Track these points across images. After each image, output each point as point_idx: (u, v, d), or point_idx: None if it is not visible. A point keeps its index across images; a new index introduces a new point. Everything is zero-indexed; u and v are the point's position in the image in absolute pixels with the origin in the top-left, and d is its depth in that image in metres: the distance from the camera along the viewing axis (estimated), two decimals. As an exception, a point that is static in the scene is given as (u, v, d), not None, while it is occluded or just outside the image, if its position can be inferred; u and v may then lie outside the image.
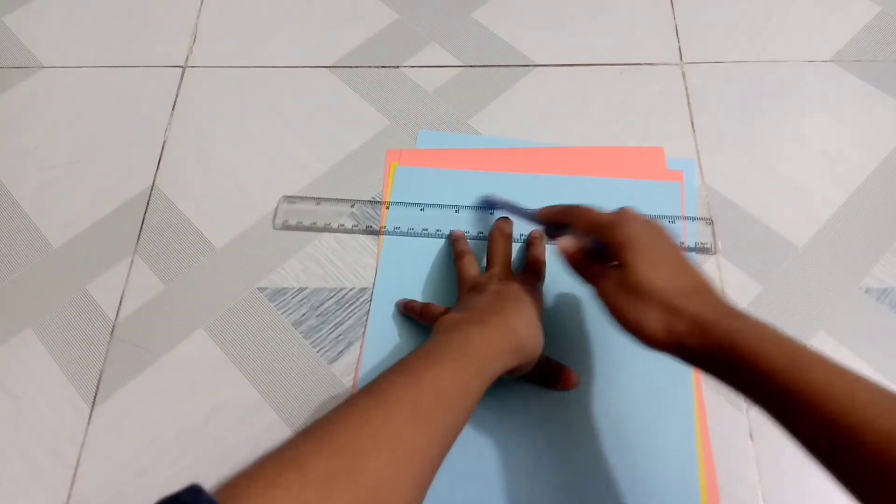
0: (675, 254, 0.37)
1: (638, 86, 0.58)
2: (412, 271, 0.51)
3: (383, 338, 0.48)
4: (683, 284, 0.35)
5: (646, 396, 0.45)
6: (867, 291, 0.49)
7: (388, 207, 0.53)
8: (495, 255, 0.47)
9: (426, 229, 0.52)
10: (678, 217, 0.52)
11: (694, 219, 0.52)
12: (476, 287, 0.44)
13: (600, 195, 0.52)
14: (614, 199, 0.49)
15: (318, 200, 0.54)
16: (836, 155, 0.54)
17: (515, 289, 0.43)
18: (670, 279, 0.35)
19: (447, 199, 0.53)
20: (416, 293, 0.50)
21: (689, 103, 0.57)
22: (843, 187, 0.53)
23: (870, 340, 0.47)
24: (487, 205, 0.50)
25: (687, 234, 0.51)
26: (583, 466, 0.44)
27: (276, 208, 0.54)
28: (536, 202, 0.46)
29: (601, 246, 0.38)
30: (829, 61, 0.59)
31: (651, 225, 0.38)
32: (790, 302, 0.49)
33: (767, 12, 0.62)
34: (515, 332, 0.39)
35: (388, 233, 0.52)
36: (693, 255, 0.51)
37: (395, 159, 0.56)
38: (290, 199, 0.54)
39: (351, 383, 0.47)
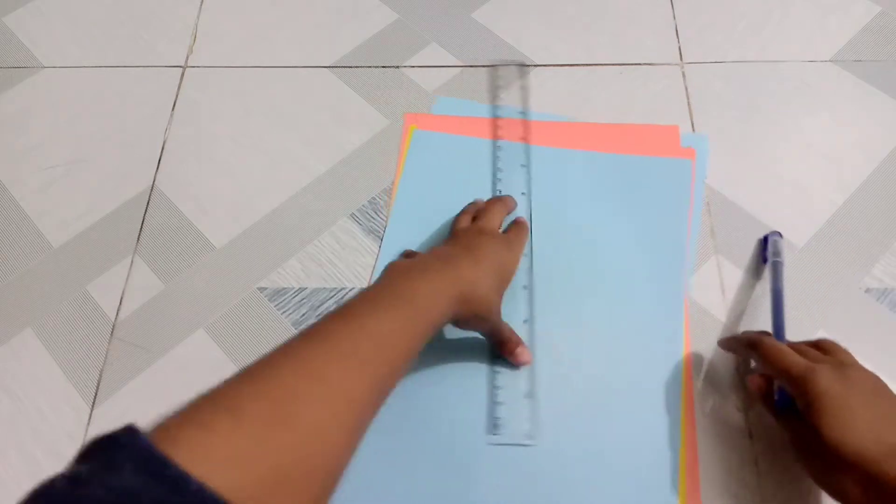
0: (879, 408, 0.34)
1: (638, 86, 0.58)
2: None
3: None
4: (886, 449, 0.32)
5: (635, 391, 0.46)
6: (867, 291, 0.49)
7: (401, 175, 0.54)
8: (482, 210, 0.48)
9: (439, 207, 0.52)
10: (686, 197, 0.52)
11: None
12: (452, 236, 0.45)
13: (610, 170, 0.54)
14: (623, 175, 0.53)
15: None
16: (836, 155, 0.54)
17: (482, 241, 0.43)
18: (870, 440, 0.32)
19: (463, 166, 0.54)
20: None
21: (689, 103, 0.57)
22: (843, 187, 0.53)
23: (870, 340, 0.47)
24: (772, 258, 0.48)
25: (693, 216, 0.52)
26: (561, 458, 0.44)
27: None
28: (549, 174, 0.50)
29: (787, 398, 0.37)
30: (829, 61, 0.59)
31: (844, 377, 0.35)
32: (789, 302, 0.49)
33: (767, 12, 0.62)
34: (462, 280, 0.38)
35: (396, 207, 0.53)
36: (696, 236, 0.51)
37: (414, 122, 0.57)
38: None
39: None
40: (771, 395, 0.39)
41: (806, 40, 0.60)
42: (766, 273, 0.48)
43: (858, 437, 0.32)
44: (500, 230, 0.48)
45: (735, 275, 0.50)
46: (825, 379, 0.34)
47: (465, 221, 0.48)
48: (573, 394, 0.45)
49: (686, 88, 0.58)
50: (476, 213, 0.48)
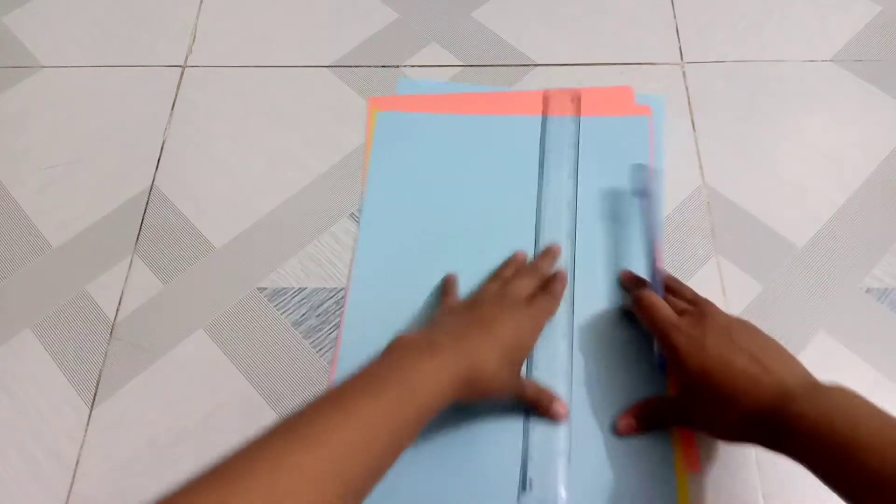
0: (726, 338, 0.38)
1: (638, 85, 0.58)
2: (393, 259, 0.51)
3: (363, 327, 0.49)
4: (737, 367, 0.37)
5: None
6: (867, 291, 0.49)
7: (369, 161, 0.54)
8: (514, 277, 0.46)
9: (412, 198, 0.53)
10: (646, 153, 0.54)
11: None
12: (475, 302, 0.43)
13: (571, 133, 0.55)
14: (585, 137, 0.55)
15: None
16: (836, 155, 0.54)
17: (503, 315, 0.40)
18: (719, 367, 0.37)
19: (433, 143, 0.55)
20: (397, 280, 0.50)
21: (689, 103, 0.57)
22: (844, 187, 0.53)
23: (870, 340, 0.47)
24: None
25: (655, 170, 0.53)
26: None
27: None
28: (514, 143, 0.53)
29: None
30: (829, 61, 0.59)
31: (705, 324, 0.39)
32: (790, 302, 0.49)
33: (768, 12, 0.62)
34: (471, 360, 0.36)
35: (369, 198, 0.53)
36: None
37: (377, 106, 0.57)
38: None
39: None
40: (651, 415, 0.43)
41: (806, 40, 0.60)
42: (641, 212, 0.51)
43: (709, 365, 0.37)
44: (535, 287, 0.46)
45: (735, 275, 0.50)
46: (684, 328, 0.39)
47: (495, 287, 0.45)
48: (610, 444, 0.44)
49: (686, 88, 0.58)
50: (512, 274, 0.47)
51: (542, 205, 0.52)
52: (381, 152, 0.55)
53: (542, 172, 0.53)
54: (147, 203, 0.55)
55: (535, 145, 0.55)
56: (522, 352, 0.41)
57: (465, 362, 0.36)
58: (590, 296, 0.48)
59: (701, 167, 0.54)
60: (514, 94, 0.58)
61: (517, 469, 0.43)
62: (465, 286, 0.49)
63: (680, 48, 0.60)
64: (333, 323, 0.49)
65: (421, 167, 0.54)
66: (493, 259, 0.50)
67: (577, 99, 0.56)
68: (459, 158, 0.54)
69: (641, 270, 0.48)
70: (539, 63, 0.60)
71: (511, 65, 0.60)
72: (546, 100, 0.57)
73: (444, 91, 0.58)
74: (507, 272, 0.47)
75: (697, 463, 0.42)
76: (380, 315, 0.48)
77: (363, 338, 0.48)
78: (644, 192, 0.50)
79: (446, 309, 0.45)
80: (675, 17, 0.62)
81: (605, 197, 0.52)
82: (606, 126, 0.55)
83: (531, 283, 0.45)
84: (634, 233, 0.50)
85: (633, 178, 0.51)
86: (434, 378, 0.34)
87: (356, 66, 0.61)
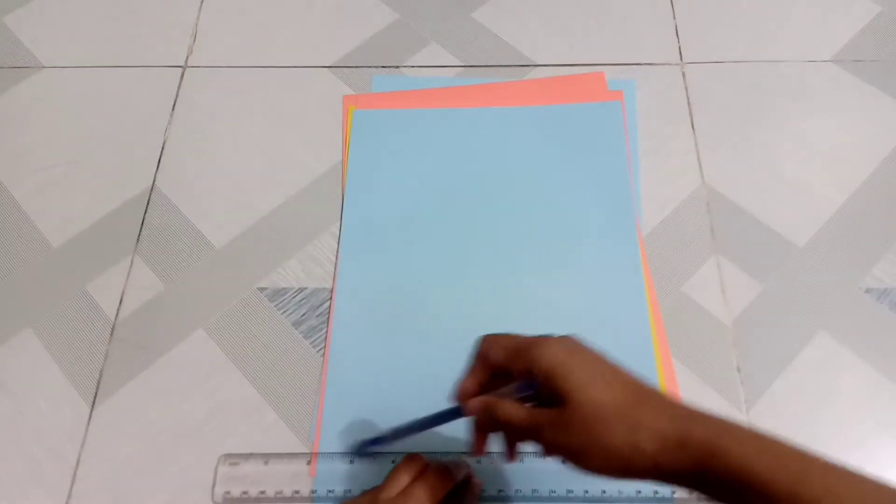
0: (608, 364, 0.31)
1: (638, 86, 0.58)
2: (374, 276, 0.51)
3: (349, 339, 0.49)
4: (634, 395, 0.30)
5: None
6: (867, 291, 0.49)
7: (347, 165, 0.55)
8: (410, 486, 0.37)
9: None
10: (621, 138, 0.55)
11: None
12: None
13: (544, 122, 0.56)
14: (557, 125, 0.55)
15: (267, 459, 0.44)
16: (836, 155, 0.54)
17: None
18: (618, 392, 0.30)
19: (408, 142, 0.56)
20: (381, 278, 0.51)
21: (689, 103, 0.57)
22: (844, 187, 0.53)
23: (870, 340, 0.47)
24: (369, 445, 0.42)
25: (631, 155, 0.54)
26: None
27: (215, 474, 0.44)
28: (488, 134, 0.55)
29: (528, 389, 0.31)
30: (829, 61, 0.59)
31: (571, 339, 0.32)
32: (790, 302, 0.49)
33: (767, 12, 0.62)
34: None
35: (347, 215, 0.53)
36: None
37: (353, 104, 0.58)
38: (232, 460, 0.44)
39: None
40: (500, 409, 0.32)
41: (806, 40, 0.60)
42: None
43: (604, 390, 0.29)
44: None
45: (735, 275, 0.50)
46: (555, 346, 0.31)
47: (391, 489, 0.37)
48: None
49: (686, 88, 0.58)
50: (412, 479, 0.38)
51: (517, 196, 0.53)
52: (358, 151, 0.55)
53: (517, 163, 0.54)
54: (147, 203, 0.55)
55: (510, 136, 0.55)
56: None
57: None
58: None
59: (701, 167, 0.54)
60: (487, 85, 0.58)
61: None
62: (450, 281, 0.50)
63: (679, 48, 0.60)
64: (333, 323, 0.49)
65: (400, 163, 0.55)
66: (475, 252, 0.51)
67: (548, 87, 0.57)
68: (438, 152, 0.55)
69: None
70: (539, 63, 0.60)
71: (511, 65, 0.60)
72: (518, 89, 0.58)
73: (418, 86, 0.59)
74: (408, 469, 0.39)
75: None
76: (366, 314, 0.49)
77: (352, 337, 0.48)
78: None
79: None
80: (674, 17, 0.62)
81: (579, 185, 0.53)
82: (578, 112, 0.56)
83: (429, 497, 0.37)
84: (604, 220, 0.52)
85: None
86: None
87: (356, 67, 0.61)
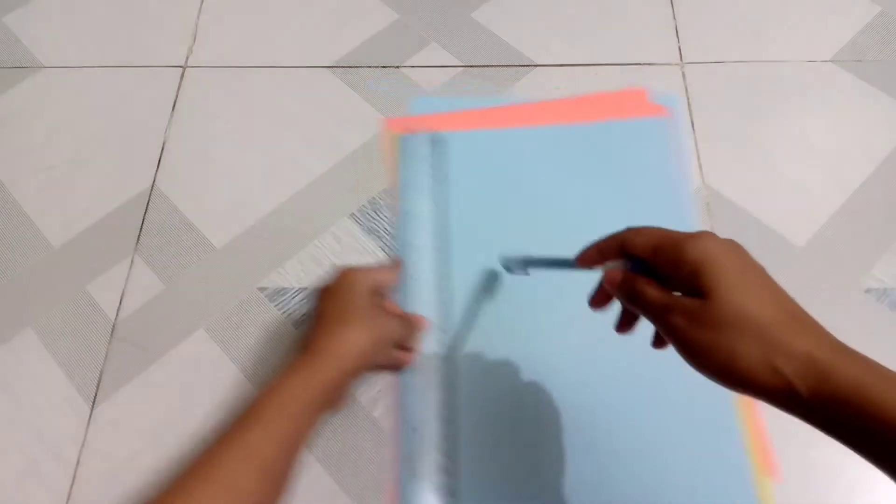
0: (765, 274, 0.30)
1: (638, 85, 0.58)
2: None
3: None
4: (786, 315, 0.28)
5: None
6: (867, 291, 0.49)
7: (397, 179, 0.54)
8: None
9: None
10: (669, 153, 0.54)
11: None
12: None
13: (592, 140, 0.55)
14: (606, 142, 0.54)
15: None
16: (836, 155, 0.54)
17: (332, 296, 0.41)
18: (768, 306, 0.28)
19: (452, 161, 0.55)
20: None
21: (689, 103, 0.57)
22: (844, 187, 0.53)
23: (870, 340, 0.47)
24: (515, 266, 0.45)
25: (684, 171, 0.53)
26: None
27: None
28: (534, 155, 0.51)
29: (647, 270, 0.31)
30: (829, 61, 0.59)
31: (731, 242, 0.30)
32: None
33: (767, 12, 0.62)
34: (324, 374, 0.37)
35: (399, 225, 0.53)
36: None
37: (391, 127, 0.57)
38: None
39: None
40: (635, 284, 0.32)
41: (806, 40, 0.60)
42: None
43: (756, 301, 0.28)
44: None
45: (735, 275, 0.50)
46: (712, 239, 0.29)
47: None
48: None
49: (686, 88, 0.58)
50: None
51: (571, 214, 0.52)
52: (408, 175, 0.54)
53: (569, 179, 0.53)
54: (148, 203, 0.55)
55: (560, 153, 0.54)
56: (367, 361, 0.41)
57: (318, 374, 0.38)
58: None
59: (701, 167, 0.54)
60: (529, 105, 0.57)
61: None
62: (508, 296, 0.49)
63: (679, 48, 0.60)
64: (333, 323, 0.49)
65: (452, 184, 0.53)
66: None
67: (591, 105, 0.56)
68: (488, 172, 0.54)
69: None
70: (539, 63, 0.60)
71: (511, 65, 0.60)
72: (560, 108, 0.57)
73: (456, 107, 0.58)
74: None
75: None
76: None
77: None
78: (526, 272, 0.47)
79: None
80: (674, 17, 0.62)
81: (633, 201, 0.51)
82: (626, 128, 0.55)
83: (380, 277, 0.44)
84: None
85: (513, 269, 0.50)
86: (303, 396, 0.37)
87: (356, 66, 0.61)
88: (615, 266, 0.33)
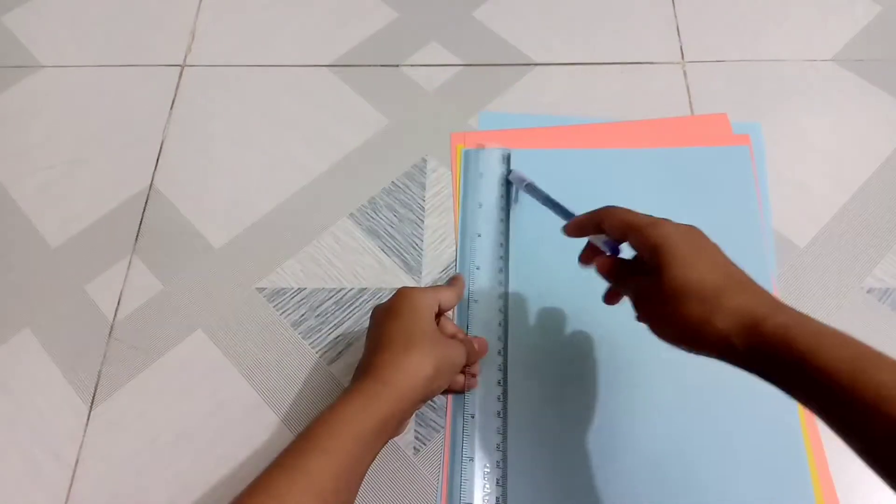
0: (716, 251, 0.34)
1: (639, 85, 0.58)
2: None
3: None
4: (725, 280, 0.32)
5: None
6: (869, 291, 0.49)
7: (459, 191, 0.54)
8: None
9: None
10: (750, 183, 0.52)
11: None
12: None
13: (668, 166, 0.53)
14: (682, 169, 0.52)
15: None
16: (836, 155, 0.54)
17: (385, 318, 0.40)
18: (709, 275, 0.32)
19: (538, 178, 0.52)
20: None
21: (690, 102, 0.57)
22: (844, 187, 0.53)
23: (871, 340, 0.47)
24: (518, 183, 0.50)
25: (762, 201, 0.52)
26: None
27: None
28: (608, 177, 0.51)
29: (609, 248, 0.37)
30: (830, 61, 0.59)
31: (689, 227, 0.34)
32: (790, 302, 0.48)
33: (768, 12, 0.62)
34: (388, 402, 0.36)
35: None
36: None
37: (460, 142, 0.56)
38: None
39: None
40: (617, 268, 0.38)
41: (806, 40, 0.60)
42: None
43: (699, 271, 0.32)
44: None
45: (735, 275, 0.50)
46: (668, 225, 0.34)
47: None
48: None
49: (687, 87, 0.58)
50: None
51: None
52: (469, 189, 0.53)
53: (643, 206, 0.51)
54: (146, 203, 0.55)
55: (636, 178, 0.53)
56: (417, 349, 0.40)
57: (382, 402, 0.36)
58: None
59: (701, 167, 0.54)
60: (603, 125, 0.56)
61: None
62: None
63: (681, 47, 0.60)
64: (332, 323, 0.49)
65: (526, 204, 0.52)
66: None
67: (670, 128, 0.55)
68: (563, 192, 0.49)
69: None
70: (539, 63, 0.60)
71: (511, 64, 0.60)
72: (638, 130, 0.55)
73: (525, 124, 0.56)
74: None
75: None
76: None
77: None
78: (526, 185, 0.50)
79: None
80: (675, 16, 0.62)
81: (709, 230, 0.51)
82: (706, 156, 0.53)
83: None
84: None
85: (511, 184, 0.51)
86: (367, 423, 0.35)
87: (356, 66, 0.61)
88: (597, 239, 0.38)
